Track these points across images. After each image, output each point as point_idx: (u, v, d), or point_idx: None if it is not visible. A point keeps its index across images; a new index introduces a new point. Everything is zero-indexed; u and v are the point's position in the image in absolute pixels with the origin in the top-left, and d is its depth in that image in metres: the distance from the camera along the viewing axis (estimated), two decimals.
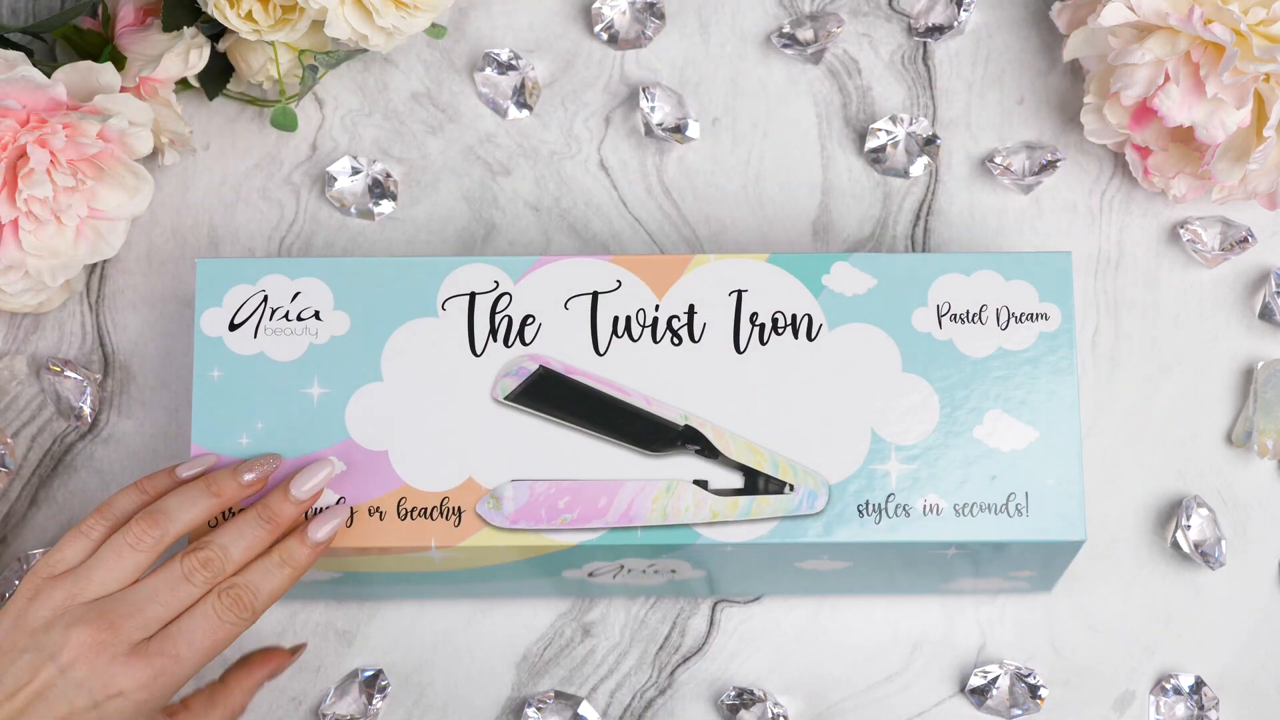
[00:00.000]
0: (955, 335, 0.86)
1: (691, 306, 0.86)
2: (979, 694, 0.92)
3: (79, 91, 0.90)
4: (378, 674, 0.93)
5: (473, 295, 0.86)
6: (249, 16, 0.91)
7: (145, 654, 0.77)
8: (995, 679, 0.92)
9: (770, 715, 0.92)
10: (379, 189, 0.98)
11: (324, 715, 0.92)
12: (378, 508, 0.84)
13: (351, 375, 0.85)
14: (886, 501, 0.84)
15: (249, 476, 0.82)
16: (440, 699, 0.93)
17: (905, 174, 0.98)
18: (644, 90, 0.98)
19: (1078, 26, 0.94)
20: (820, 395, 0.85)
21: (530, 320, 0.86)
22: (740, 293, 0.86)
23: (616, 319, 0.86)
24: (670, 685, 0.93)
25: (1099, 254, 0.97)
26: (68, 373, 0.95)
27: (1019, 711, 0.92)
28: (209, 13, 0.91)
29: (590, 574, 0.88)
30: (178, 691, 0.79)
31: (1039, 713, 0.92)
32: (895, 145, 0.98)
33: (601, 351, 0.86)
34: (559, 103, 1.00)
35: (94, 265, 0.98)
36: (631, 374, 0.85)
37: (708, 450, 0.84)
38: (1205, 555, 0.93)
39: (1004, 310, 0.86)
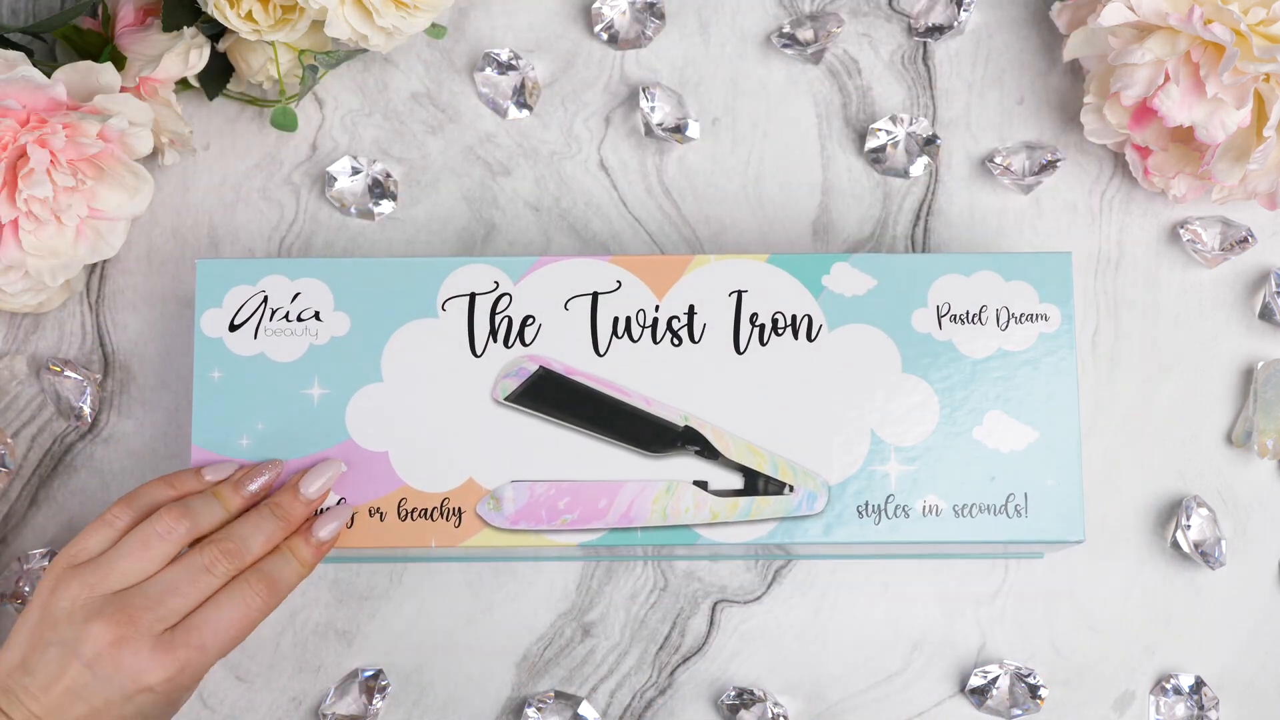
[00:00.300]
0: (955, 336, 0.86)
1: (691, 307, 0.86)
2: (979, 694, 0.92)
3: (79, 91, 0.90)
4: (378, 674, 0.93)
5: (473, 296, 0.86)
6: (249, 16, 0.91)
7: (170, 646, 0.77)
8: (995, 679, 0.92)
9: (770, 715, 0.92)
10: (379, 189, 0.98)
11: (324, 715, 0.92)
12: (378, 509, 0.84)
13: (352, 376, 0.85)
14: (886, 502, 0.84)
15: (252, 488, 0.83)
16: (440, 699, 0.93)
17: (905, 174, 0.98)
18: (644, 90, 0.98)
19: (1078, 26, 0.93)
20: (820, 396, 0.85)
21: (530, 321, 0.86)
22: (740, 293, 0.86)
23: (616, 319, 0.86)
24: (670, 685, 0.93)
25: (1099, 254, 0.97)
26: (68, 373, 0.95)
27: (1019, 711, 0.92)
28: (209, 13, 0.91)
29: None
30: (201, 680, 0.80)
31: (1039, 713, 0.92)
32: (895, 145, 0.98)
33: (601, 352, 0.86)
34: (559, 103, 1.00)
35: (94, 265, 0.98)
36: (631, 375, 0.85)
37: (708, 451, 0.84)
38: (1205, 555, 0.93)
39: (1004, 311, 0.86)
